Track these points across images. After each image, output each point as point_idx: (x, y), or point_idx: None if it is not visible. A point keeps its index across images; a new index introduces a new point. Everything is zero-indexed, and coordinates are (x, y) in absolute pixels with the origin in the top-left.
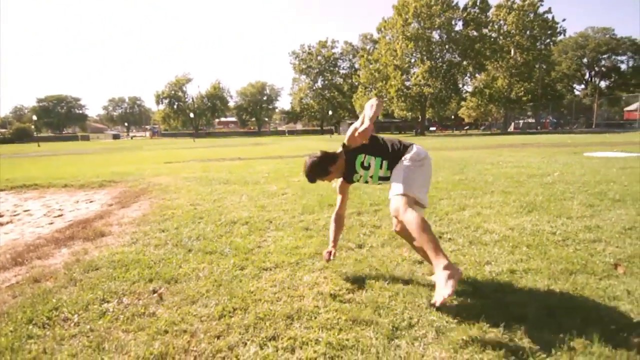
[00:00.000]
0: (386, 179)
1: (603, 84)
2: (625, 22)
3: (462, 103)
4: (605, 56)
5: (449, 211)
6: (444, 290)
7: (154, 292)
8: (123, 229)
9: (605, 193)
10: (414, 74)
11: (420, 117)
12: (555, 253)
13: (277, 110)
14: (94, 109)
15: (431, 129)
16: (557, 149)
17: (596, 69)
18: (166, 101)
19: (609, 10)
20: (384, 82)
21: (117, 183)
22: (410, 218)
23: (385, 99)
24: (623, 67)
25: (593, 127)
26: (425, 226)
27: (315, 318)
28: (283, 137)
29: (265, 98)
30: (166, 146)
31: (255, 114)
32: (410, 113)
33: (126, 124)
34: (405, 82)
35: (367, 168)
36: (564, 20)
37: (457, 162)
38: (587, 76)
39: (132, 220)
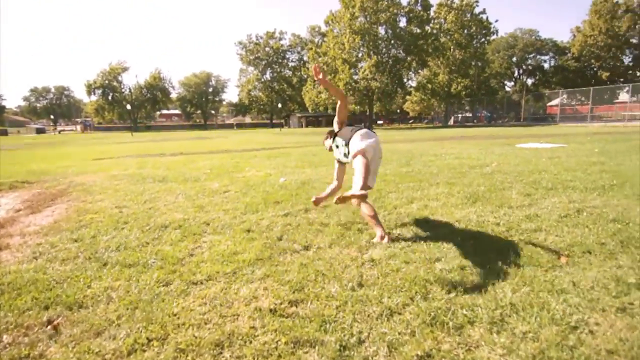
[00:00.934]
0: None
1: (529, 81)
2: (548, 24)
3: (407, 97)
4: (531, 56)
5: (397, 205)
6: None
7: (49, 323)
8: (25, 241)
9: (539, 182)
10: (361, 68)
11: (368, 110)
12: (501, 245)
13: (224, 102)
14: (12, 100)
15: (378, 122)
16: (492, 140)
17: (523, 67)
18: (99, 92)
19: (535, 13)
20: (333, 75)
21: (31, 184)
22: None
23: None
24: (546, 66)
25: (522, 120)
26: None
27: (250, 343)
28: (231, 130)
29: (211, 89)
30: (99, 141)
31: (200, 106)
32: (358, 107)
33: (52, 117)
34: (354, 76)
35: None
36: (496, 21)
37: (403, 154)
38: (516, 74)
39: (40, 229)
